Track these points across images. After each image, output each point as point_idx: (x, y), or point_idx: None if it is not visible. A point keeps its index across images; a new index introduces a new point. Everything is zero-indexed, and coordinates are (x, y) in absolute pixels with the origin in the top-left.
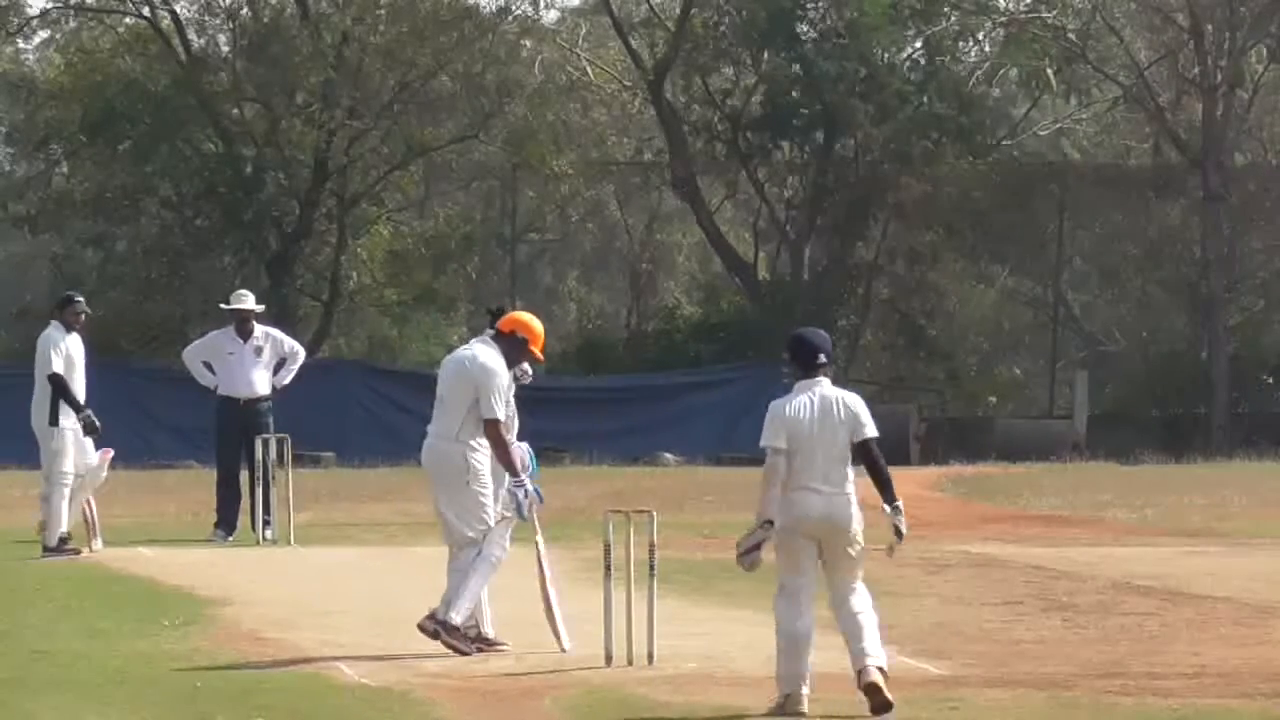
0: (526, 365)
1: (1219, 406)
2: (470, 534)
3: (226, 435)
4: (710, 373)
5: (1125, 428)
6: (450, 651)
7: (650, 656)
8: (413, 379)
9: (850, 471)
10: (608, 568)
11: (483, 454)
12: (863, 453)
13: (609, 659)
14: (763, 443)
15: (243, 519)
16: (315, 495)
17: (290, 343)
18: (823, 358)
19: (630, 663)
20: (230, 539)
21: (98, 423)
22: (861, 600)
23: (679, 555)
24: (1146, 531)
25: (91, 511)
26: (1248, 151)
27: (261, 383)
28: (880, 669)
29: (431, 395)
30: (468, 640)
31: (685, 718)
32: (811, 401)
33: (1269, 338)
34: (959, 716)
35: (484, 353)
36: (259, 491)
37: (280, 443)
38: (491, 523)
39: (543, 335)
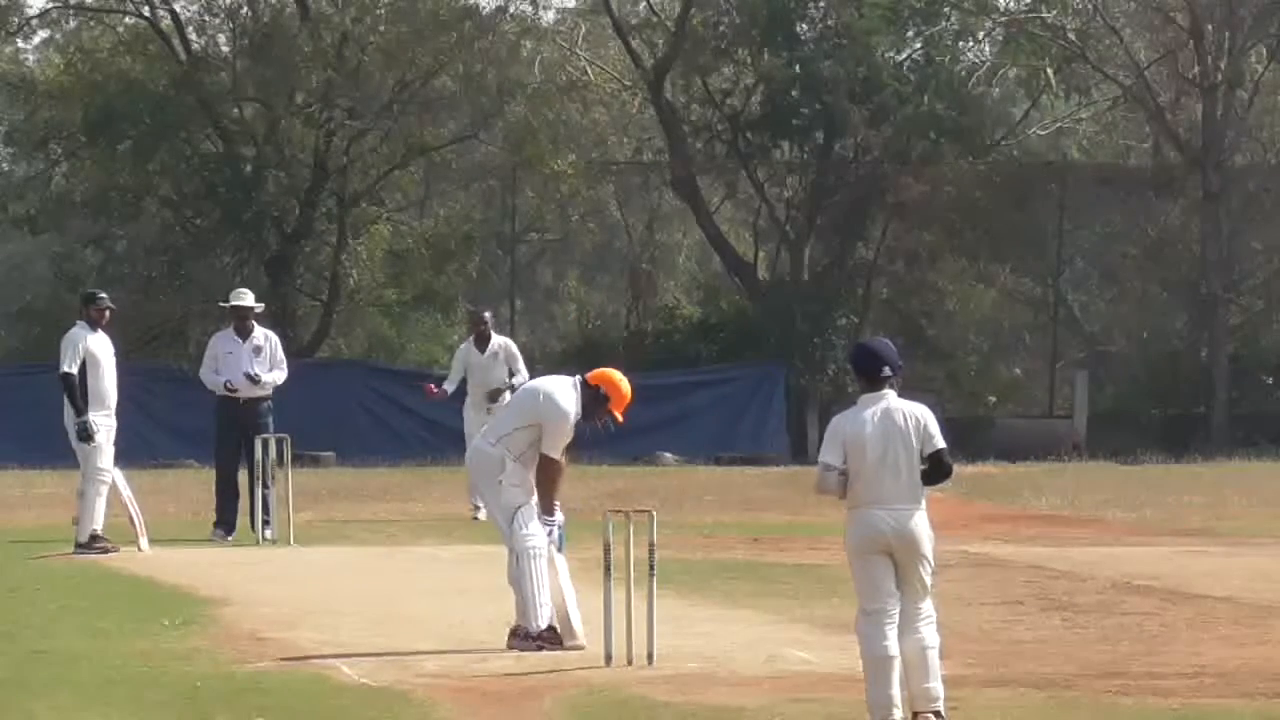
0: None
1: (1219, 406)
2: (506, 525)
3: (226, 435)
4: (710, 373)
5: (1125, 428)
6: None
7: (650, 656)
8: (413, 379)
9: (922, 487)
10: (607, 568)
11: (517, 463)
12: (932, 462)
13: (609, 659)
14: (820, 458)
15: (242, 519)
16: (315, 495)
17: (281, 357)
18: (887, 370)
19: (630, 663)
20: (230, 539)
21: (93, 430)
22: (930, 631)
23: (679, 555)
24: (1146, 531)
25: (135, 511)
26: (1248, 151)
27: (267, 386)
28: (939, 713)
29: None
30: (557, 635)
31: (685, 718)
32: (875, 416)
33: (1269, 338)
34: (959, 716)
35: (561, 392)
36: (259, 491)
37: (280, 443)
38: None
39: (628, 398)
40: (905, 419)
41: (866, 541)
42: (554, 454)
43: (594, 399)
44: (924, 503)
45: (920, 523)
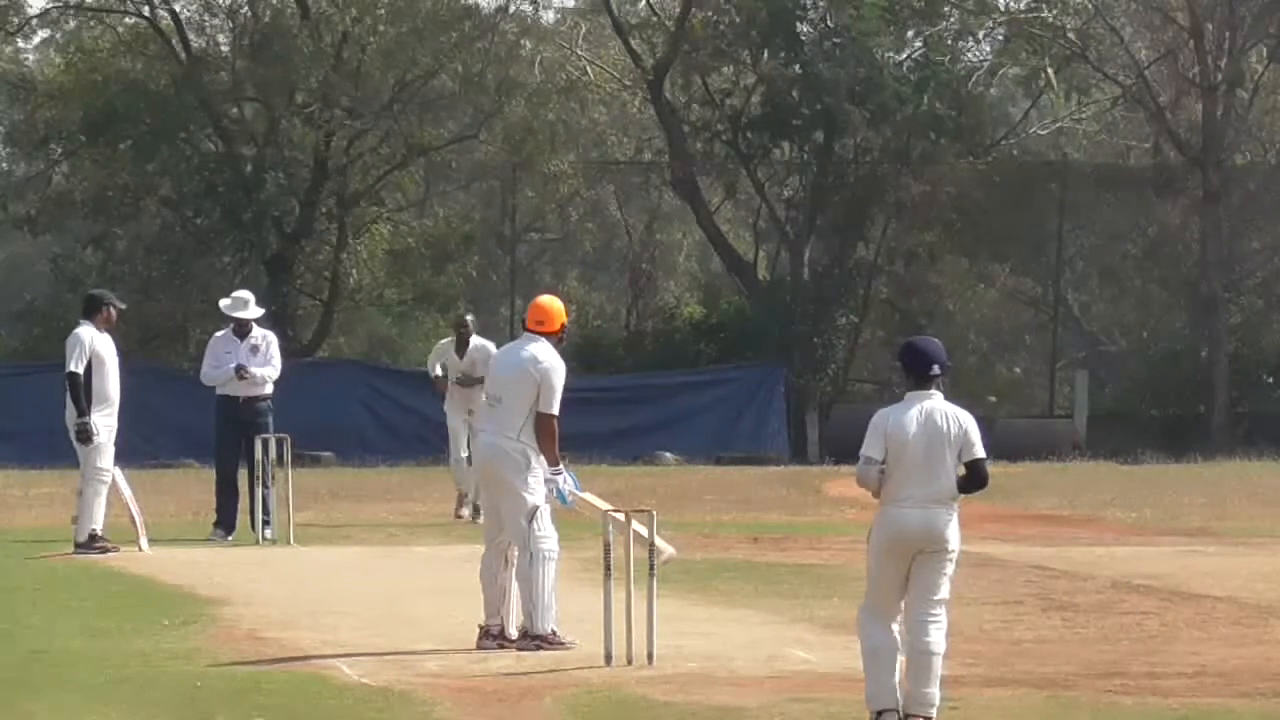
0: None
1: (1219, 406)
2: (524, 523)
3: (225, 435)
4: (710, 373)
5: (1125, 428)
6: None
7: (650, 656)
8: (413, 379)
9: (955, 489)
10: (607, 568)
11: (539, 461)
12: (970, 470)
13: (609, 659)
14: (862, 451)
15: (242, 519)
16: (315, 495)
17: (275, 354)
18: (936, 369)
19: (630, 663)
20: (230, 539)
21: (93, 432)
22: (939, 637)
23: (679, 555)
24: (1146, 531)
25: (135, 510)
26: (1248, 151)
27: (260, 381)
28: (929, 719)
29: (430, 394)
30: (562, 639)
31: (685, 718)
32: (919, 414)
33: (1269, 338)
34: (959, 716)
35: (543, 352)
36: (258, 491)
37: (280, 443)
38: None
39: (561, 308)
40: (948, 422)
41: (893, 540)
42: (552, 410)
43: (558, 340)
44: (956, 507)
45: (951, 526)
